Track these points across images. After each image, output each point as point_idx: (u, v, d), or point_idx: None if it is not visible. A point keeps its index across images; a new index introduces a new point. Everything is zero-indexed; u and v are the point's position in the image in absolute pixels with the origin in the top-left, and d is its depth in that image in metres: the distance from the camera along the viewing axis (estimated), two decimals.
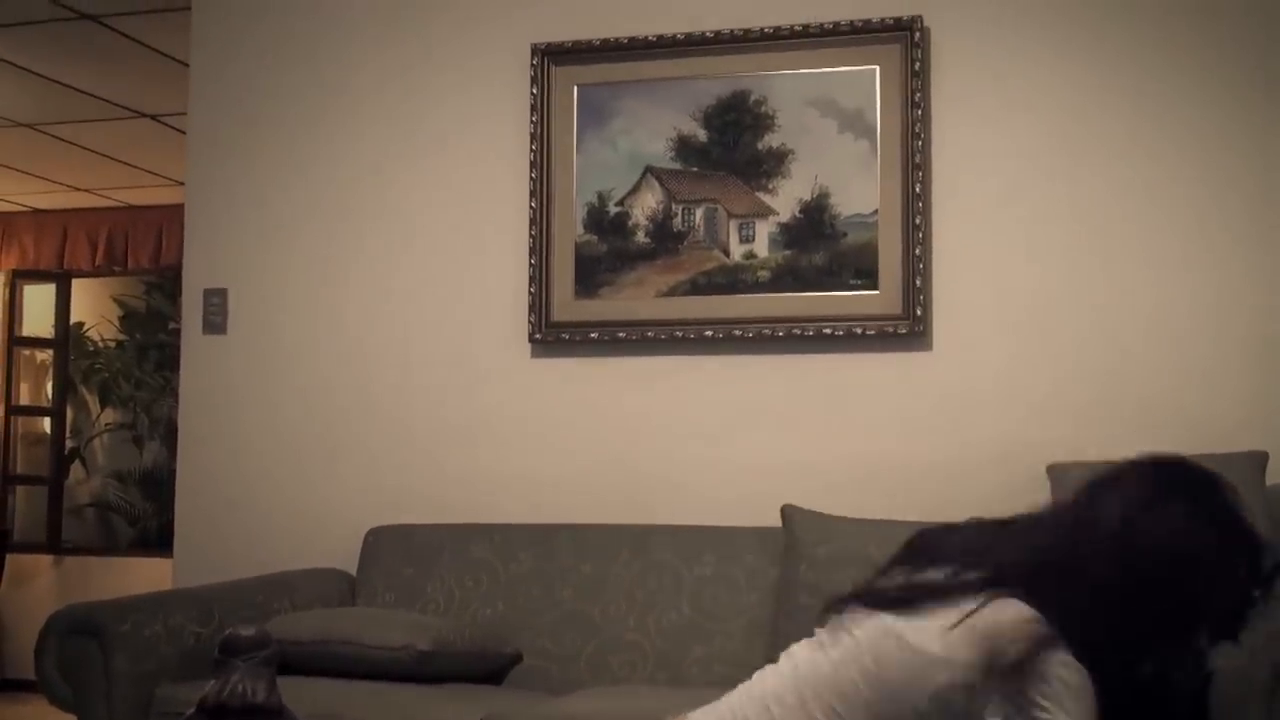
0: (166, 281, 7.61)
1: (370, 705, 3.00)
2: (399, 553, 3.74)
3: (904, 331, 3.59)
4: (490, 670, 3.41)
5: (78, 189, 7.16)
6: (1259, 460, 3.18)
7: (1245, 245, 3.44)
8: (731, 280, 3.73)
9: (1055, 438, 3.44)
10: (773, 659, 2.14)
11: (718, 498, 3.66)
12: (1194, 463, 2.02)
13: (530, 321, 3.87)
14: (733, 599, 3.38)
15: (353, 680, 3.18)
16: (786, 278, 3.70)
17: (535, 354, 3.89)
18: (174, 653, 3.23)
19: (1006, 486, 3.45)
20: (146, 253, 7.24)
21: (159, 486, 7.55)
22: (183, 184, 4.36)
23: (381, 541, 3.80)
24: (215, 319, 4.20)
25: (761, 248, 3.71)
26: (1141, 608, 1.89)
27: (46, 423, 7.78)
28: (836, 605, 2.06)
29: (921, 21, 3.63)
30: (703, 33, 3.78)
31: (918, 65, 3.61)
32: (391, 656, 3.22)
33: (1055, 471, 3.33)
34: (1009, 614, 1.90)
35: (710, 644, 3.35)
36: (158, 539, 7.32)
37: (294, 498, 4.05)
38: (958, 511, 3.37)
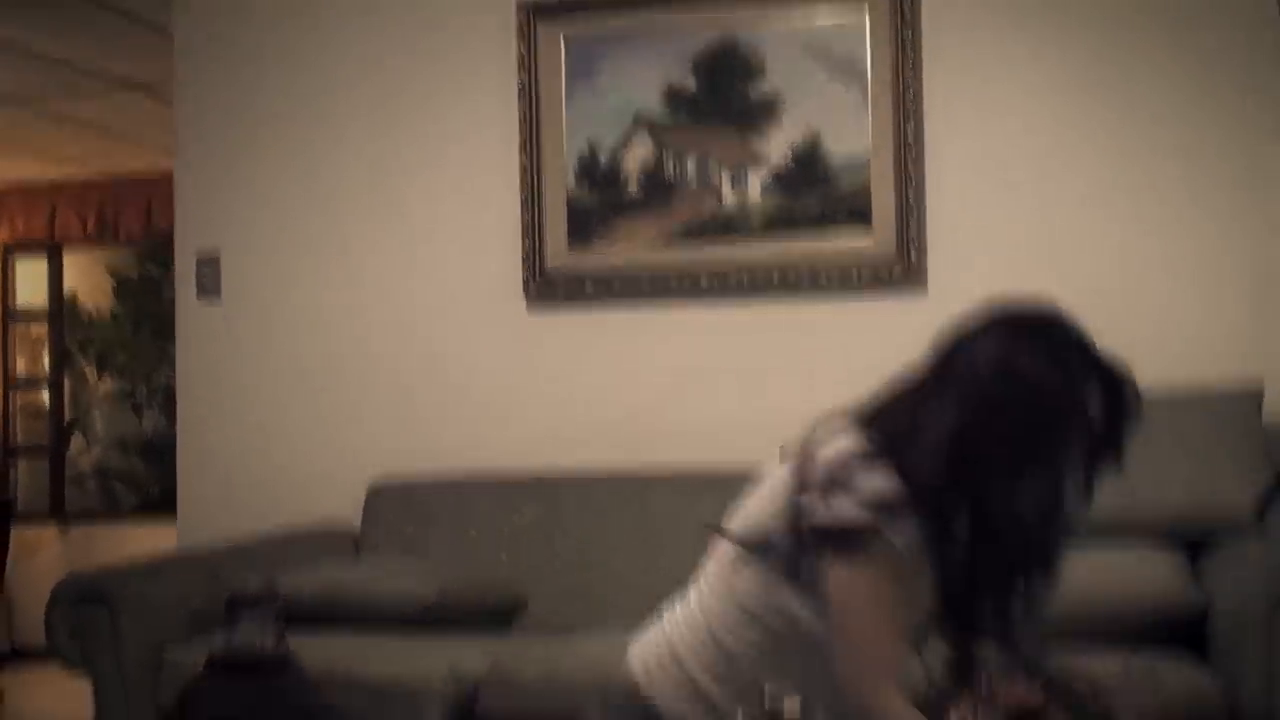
0: (158, 250, 7.57)
1: (378, 655, 3.03)
2: (401, 507, 3.76)
3: (898, 275, 3.59)
4: (496, 618, 3.43)
5: (65, 161, 7.13)
6: (1255, 395, 3.19)
7: (1241, 179, 3.44)
8: (725, 228, 3.73)
9: None
10: None
11: (715, 444, 3.67)
12: (1038, 304, 2.05)
13: (524, 274, 3.87)
14: None
15: (360, 633, 3.21)
16: (780, 224, 3.69)
17: (530, 306, 3.90)
18: (182, 614, 3.25)
19: None
20: (137, 222, 7.21)
21: (160, 453, 7.55)
22: (171, 153, 4.35)
23: (383, 497, 3.82)
24: (209, 285, 4.20)
25: (754, 195, 3.71)
26: (994, 448, 1.93)
27: (45, 395, 7.78)
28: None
29: None
30: None
31: (907, 7, 3.59)
32: (398, 607, 3.25)
33: None
34: (838, 443, 1.98)
35: None
36: (161, 504, 7.33)
37: (294, 457, 4.07)
38: None
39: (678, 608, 2.18)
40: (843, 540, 1.94)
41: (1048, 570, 2.08)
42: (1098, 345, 1.98)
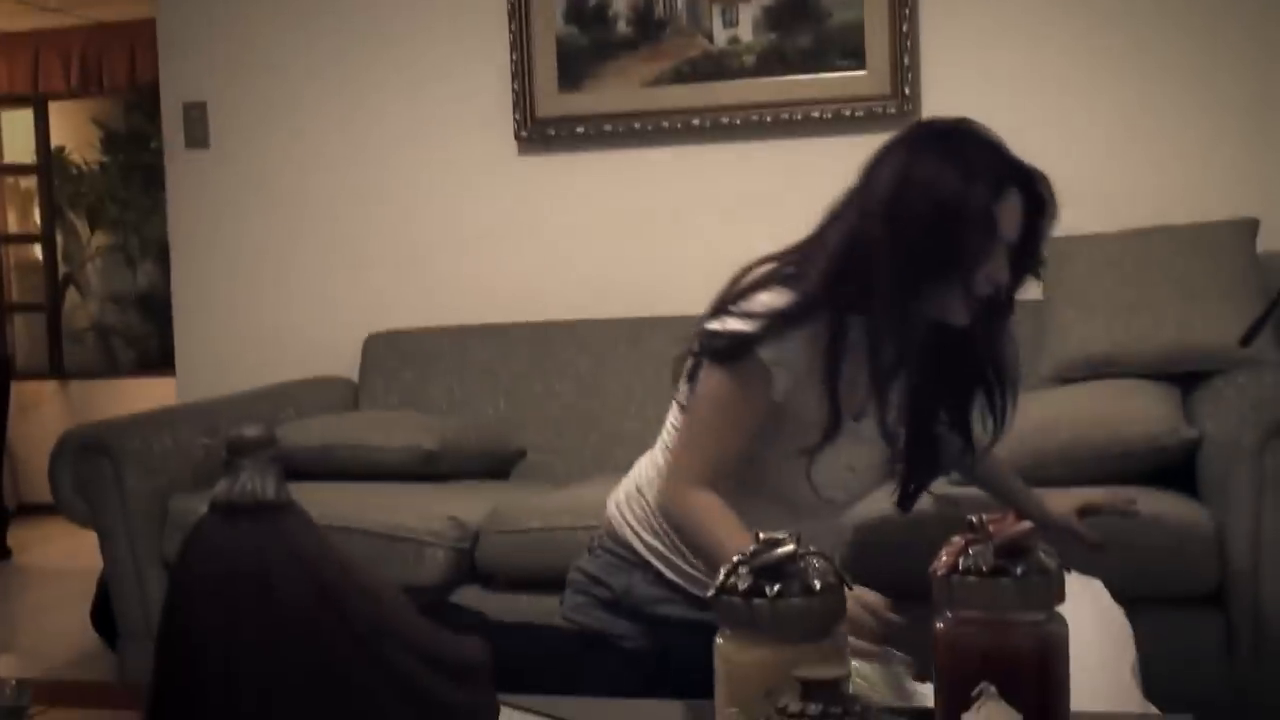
0: (144, 100, 7.50)
1: (379, 505, 3.06)
2: (398, 357, 3.78)
3: (893, 112, 3.56)
4: (496, 467, 3.48)
5: (46, 8, 7.00)
6: (1250, 227, 3.19)
7: (1239, 12, 3.38)
8: (716, 67, 3.68)
9: None
10: None
11: (710, 286, 3.66)
12: (953, 118, 2.06)
13: (515, 119, 3.83)
14: None
15: (360, 483, 3.24)
16: (772, 62, 3.65)
17: (522, 151, 3.87)
18: (184, 465, 3.29)
19: None
20: (122, 70, 7.11)
21: (156, 308, 7.56)
22: None
23: (380, 347, 3.84)
24: (197, 133, 4.16)
25: (745, 32, 3.66)
26: (887, 254, 1.96)
27: (38, 249, 7.76)
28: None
29: None
30: None
31: None
32: (398, 458, 3.28)
33: (1047, 245, 3.34)
34: (757, 269, 2.07)
35: None
36: (159, 360, 7.36)
37: (291, 308, 4.07)
38: None
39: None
40: (716, 349, 2.02)
41: (975, 384, 2.10)
42: (1008, 149, 1.99)
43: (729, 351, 2.02)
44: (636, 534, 2.18)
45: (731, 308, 2.04)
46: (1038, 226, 2.01)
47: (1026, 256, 2.03)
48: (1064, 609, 1.25)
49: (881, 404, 2.04)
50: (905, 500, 2.22)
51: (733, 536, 1.91)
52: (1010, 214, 1.97)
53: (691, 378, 2.09)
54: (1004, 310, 2.07)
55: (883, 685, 1.80)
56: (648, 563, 2.16)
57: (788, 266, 2.06)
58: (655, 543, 2.16)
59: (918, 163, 1.98)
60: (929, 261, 1.95)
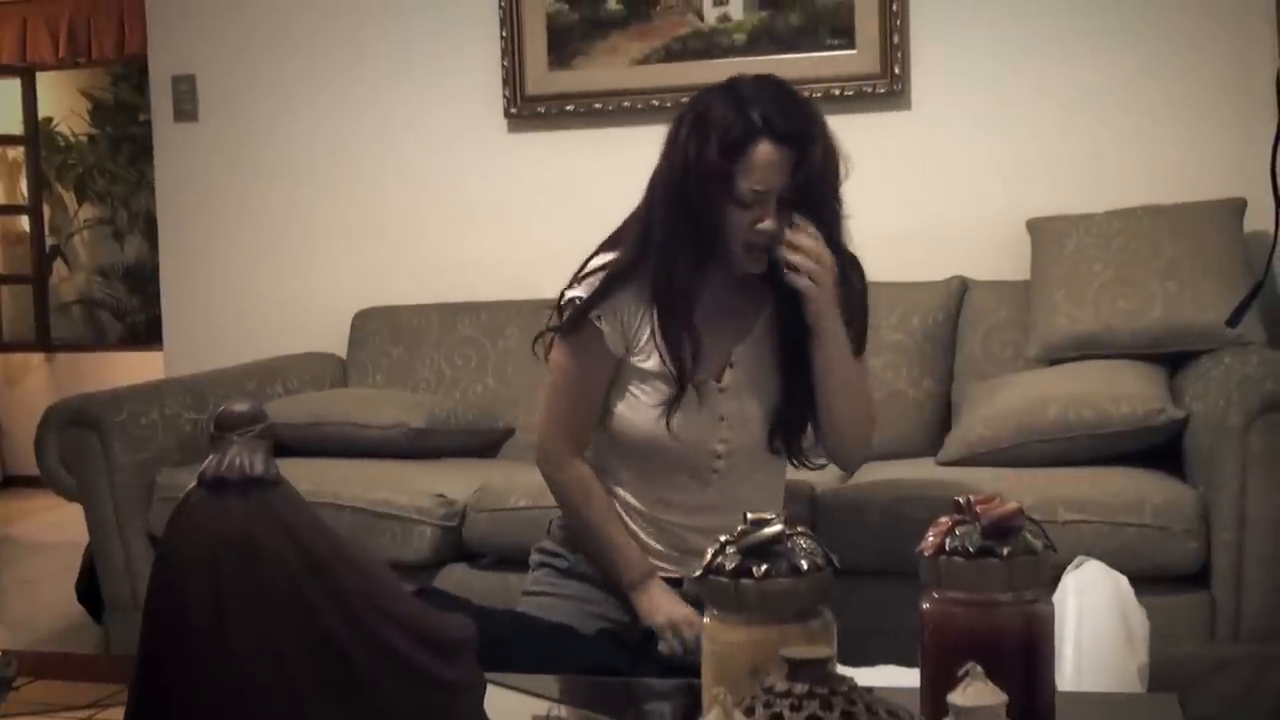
0: (133, 72, 7.46)
1: (367, 481, 3.06)
2: (387, 334, 3.77)
3: (882, 91, 3.55)
4: (483, 444, 3.47)
5: None
6: (1237, 207, 3.19)
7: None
8: (707, 45, 3.67)
9: (1036, 192, 3.44)
10: None
11: None
12: (721, 81, 2.16)
13: (505, 96, 3.82)
14: None
15: (348, 459, 3.24)
16: (763, 40, 3.64)
17: (512, 129, 3.86)
18: (171, 439, 3.29)
19: (987, 243, 3.48)
20: (110, 41, 7.06)
21: (144, 280, 7.54)
22: None
23: (369, 323, 3.83)
24: (186, 107, 4.14)
25: (736, 10, 3.65)
26: (666, 215, 2.10)
27: (24, 221, 7.72)
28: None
29: None
30: None
31: None
32: (386, 435, 3.28)
33: (1035, 226, 3.35)
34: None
35: None
36: (146, 333, 7.35)
37: (279, 283, 4.06)
38: (939, 270, 3.42)
39: None
40: (560, 320, 2.19)
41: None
42: (759, 104, 2.06)
43: (567, 320, 2.17)
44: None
45: (574, 278, 2.19)
46: (803, 168, 2.07)
47: (809, 198, 2.09)
48: (1084, 593, 1.25)
49: (678, 345, 2.11)
50: (792, 453, 2.25)
51: (603, 525, 2.17)
52: (758, 166, 2.04)
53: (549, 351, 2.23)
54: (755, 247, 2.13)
55: None
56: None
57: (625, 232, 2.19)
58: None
59: (673, 126, 2.14)
60: (678, 219, 2.08)
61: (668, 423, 2.13)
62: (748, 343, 2.19)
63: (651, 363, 2.14)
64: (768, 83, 2.12)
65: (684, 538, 2.20)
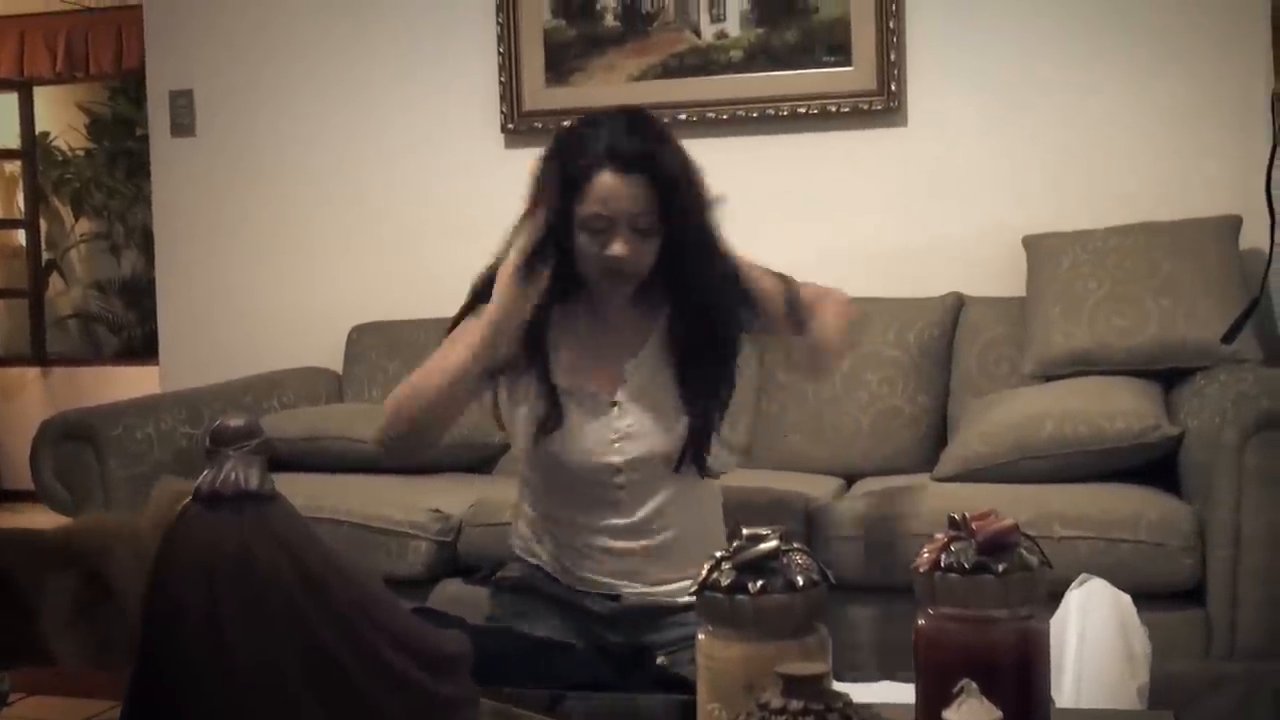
0: (131, 86, 7.47)
1: (363, 496, 3.06)
2: (383, 348, 3.77)
3: (879, 108, 3.56)
4: (479, 459, 3.47)
5: None
6: (1232, 224, 3.20)
7: (1224, 17, 3.39)
8: (703, 61, 3.68)
9: (1031, 209, 3.45)
10: None
11: None
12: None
13: (502, 112, 3.83)
14: None
15: (343, 474, 3.24)
16: (759, 57, 3.65)
17: (509, 144, 3.86)
18: (167, 454, 3.28)
19: (983, 259, 3.49)
20: (108, 56, 7.08)
21: (140, 295, 7.54)
22: None
23: (365, 338, 3.83)
24: (183, 121, 4.15)
25: (733, 27, 3.66)
26: (536, 230, 2.17)
27: (21, 235, 7.72)
28: None
29: None
30: None
31: None
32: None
33: (1031, 242, 3.35)
34: None
35: None
36: (143, 347, 7.34)
37: (275, 298, 4.07)
38: (935, 286, 3.43)
39: None
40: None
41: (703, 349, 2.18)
42: (615, 133, 2.12)
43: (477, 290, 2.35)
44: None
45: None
46: (657, 190, 2.11)
47: (670, 216, 2.13)
48: (1086, 611, 1.25)
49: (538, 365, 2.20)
50: (695, 460, 2.22)
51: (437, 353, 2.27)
52: (600, 194, 2.09)
53: None
54: (684, 277, 2.17)
55: None
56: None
57: None
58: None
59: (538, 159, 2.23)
60: (544, 233, 2.14)
61: (535, 440, 2.19)
62: (641, 357, 2.21)
63: (529, 379, 2.22)
64: (621, 113, 2.18)
65: (602, 560, 2.19)
